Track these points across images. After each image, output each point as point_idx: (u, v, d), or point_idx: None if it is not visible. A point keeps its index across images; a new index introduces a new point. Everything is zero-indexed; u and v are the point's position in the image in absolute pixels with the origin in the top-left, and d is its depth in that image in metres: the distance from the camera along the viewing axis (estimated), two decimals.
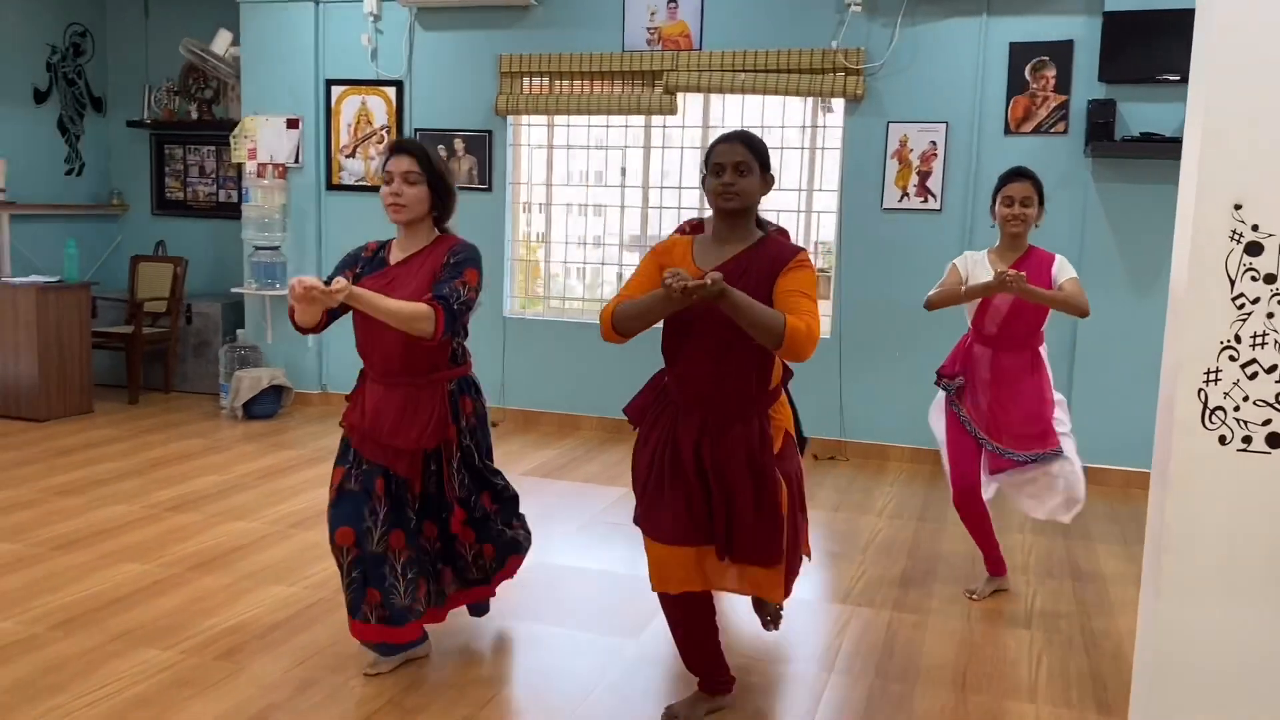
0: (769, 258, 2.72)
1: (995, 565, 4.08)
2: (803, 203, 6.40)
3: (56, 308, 6.55)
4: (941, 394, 4.03)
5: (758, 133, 6.27)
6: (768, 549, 2.76)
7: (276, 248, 7.02)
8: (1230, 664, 2.45)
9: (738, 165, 2.71)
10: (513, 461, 5.81)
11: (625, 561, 4.24)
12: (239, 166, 7.22)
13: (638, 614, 3.67)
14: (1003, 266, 3.75)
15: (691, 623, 2.90)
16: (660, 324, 2.76)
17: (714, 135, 6.40)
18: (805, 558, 3.03)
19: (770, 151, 2.83)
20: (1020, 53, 5.78)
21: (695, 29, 6.28)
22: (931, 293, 3.85)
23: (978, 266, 3.85)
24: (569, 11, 6.48)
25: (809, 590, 4.17)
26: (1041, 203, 3.81)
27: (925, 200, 6.01)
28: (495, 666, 3.36)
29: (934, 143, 5.94)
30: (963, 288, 3.76)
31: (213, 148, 7.88)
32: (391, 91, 6.86)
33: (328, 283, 2.85)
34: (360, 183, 7.02)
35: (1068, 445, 3.88)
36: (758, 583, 2.84)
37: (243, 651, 3.34)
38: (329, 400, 7.13)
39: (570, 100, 6.48)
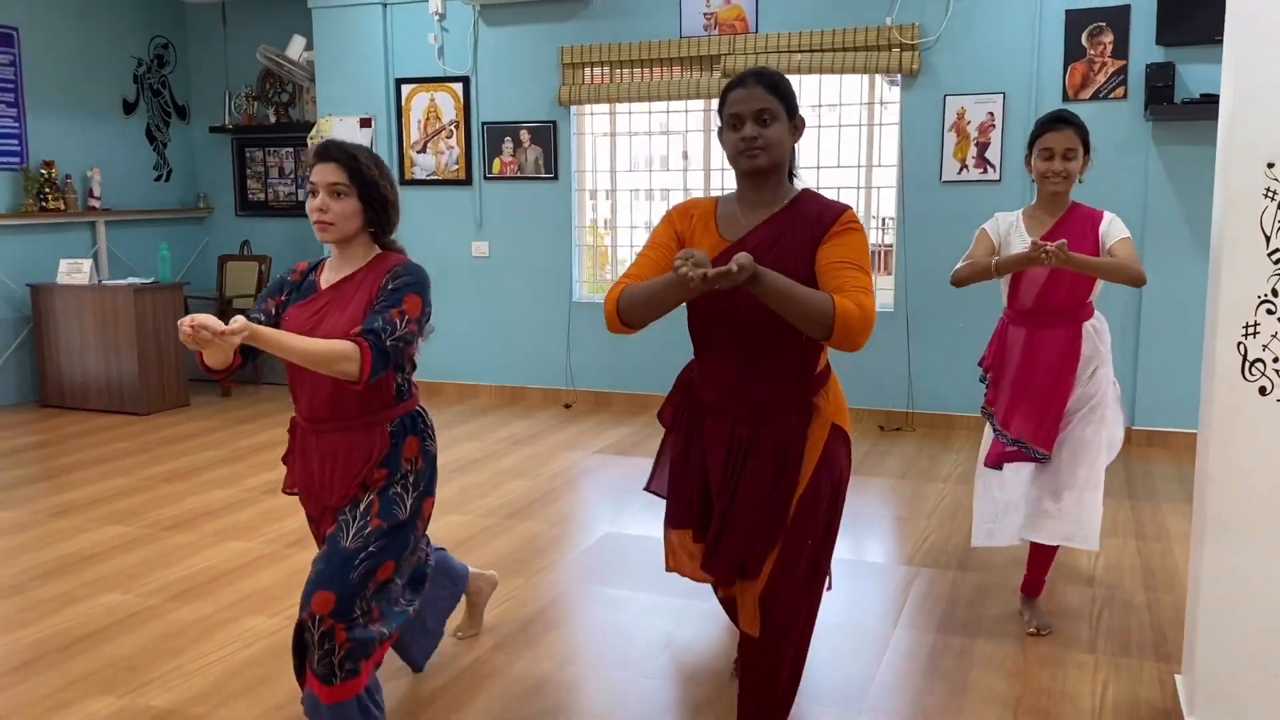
0: (807, 219, 2.25)
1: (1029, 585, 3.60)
2: (862, 179, 6.50)
3: (152, 308, 6.93)
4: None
5: (813, 111, 6.25)
6: (747, 554, 2.36)
7: None
8: (1275, 602, 2.54)
9: (759, 114, 2.22)
10: (585, 441, 6.03)
11: None
12: None
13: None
14: (1040, 231, 3.26)
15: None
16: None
17: None
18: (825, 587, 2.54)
19: (798, 101, 2.34)
20: (1076, 19, 5.79)
21: (751, 12, 6.39)
22: (958, 266, 3.33)
23: (1012, 231, 3.34)
24: (627, 1, 6.64)
25: (876, 553, 4.31)
26: (1087, 151, 3.25)
27: (984, 171, 6.06)
28: (571, 626, 3.57)
29: (991, 113, 5.99)
30: (993, 261, 3.21)
31: (290, 149, 8.21)
32: (459, 87, 7.10)
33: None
34: (431, 177, 7.28)
35: (1083, 450, 3.31)
36: (742, 599, 2.44)
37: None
38: None
39: (631, 88, 6.64)
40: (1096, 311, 3.38)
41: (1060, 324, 3.30)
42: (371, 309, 2.49)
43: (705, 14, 6.48)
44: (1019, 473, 3.37)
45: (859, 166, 6.48)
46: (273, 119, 8.18)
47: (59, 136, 7.37)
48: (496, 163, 7.08)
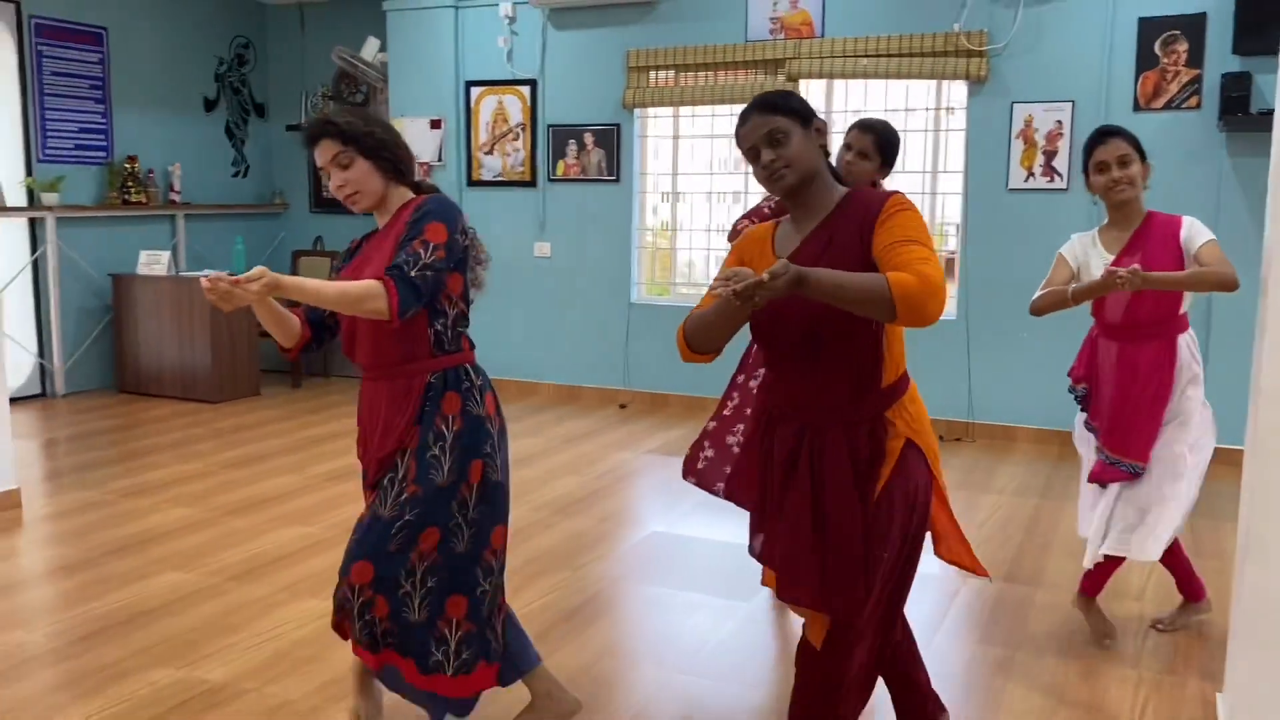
0: (857, 215, 2.20)
1: (1188, 589, 3.54)
2: (927, 185, 6.46)
3: None
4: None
5: (881, 116, 6.25)
6: (812, 580, 2.23)
7: None
8: None
9: (770, 136, 2.19)
10: (637, 441, 6.09)
11: (742, 533, 4.44)
12: None
13: (753, 579, 3.87)
14: (1118, 247, 3.16)
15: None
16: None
17: (837, 121, 6.57)
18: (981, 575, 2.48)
19: (807, 107, 2.26)
20: (1150, 28, 5.70)
21: (817, 17, 6.40)
22: (1036, 295, 3.25)
23: (1089, 253, 3.24)
24: (694, 5, 6.69)
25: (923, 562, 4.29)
26: (1144, 158, 3.16)
27: (1051, 180, 5.98)
28: (612, 621, 3.62)
29: (1060, 122, 5.91)
30: (1070, 290, 3.11)
31: None
32: (526, 90, 7.21)
33: (311, 309, 2.59)
34: (497, 178, 7.40)
35: (1173, 467, 3.21)
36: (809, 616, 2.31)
37: None
38: None
39: (695, 91, 6.69)
40: (1190, 328, 3.26)
41: (1153, 337, 3.19)
42: (397, 248, 2.45)
43: (771, 18, 6.50)
44: (1109, 491, 3.30)
45: (924, 172, 6.44)
46: None
47: (143, 132, 7.66)
48: (561, 165, 7.18)
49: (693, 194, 7.12)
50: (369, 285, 2.36)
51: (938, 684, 3.14)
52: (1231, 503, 5.00)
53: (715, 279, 2.01)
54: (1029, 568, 4.08)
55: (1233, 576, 3.96)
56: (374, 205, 2.56)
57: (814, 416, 2.24)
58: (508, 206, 7.36)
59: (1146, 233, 3.16)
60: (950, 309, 6.35)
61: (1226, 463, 5.74)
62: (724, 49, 6.58)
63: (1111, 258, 3.15)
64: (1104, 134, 3.16)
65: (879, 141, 3.43)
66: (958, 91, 6.28)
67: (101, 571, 3.98)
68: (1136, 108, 5.76)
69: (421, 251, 2.40)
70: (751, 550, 2.46)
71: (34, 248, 7.06)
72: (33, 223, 7.04)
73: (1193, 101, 5.65)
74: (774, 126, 2.18)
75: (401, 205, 2.57)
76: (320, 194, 8.65)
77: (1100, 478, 3.31)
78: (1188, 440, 3.22)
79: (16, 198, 6.89)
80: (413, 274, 2.37)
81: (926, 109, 6.41)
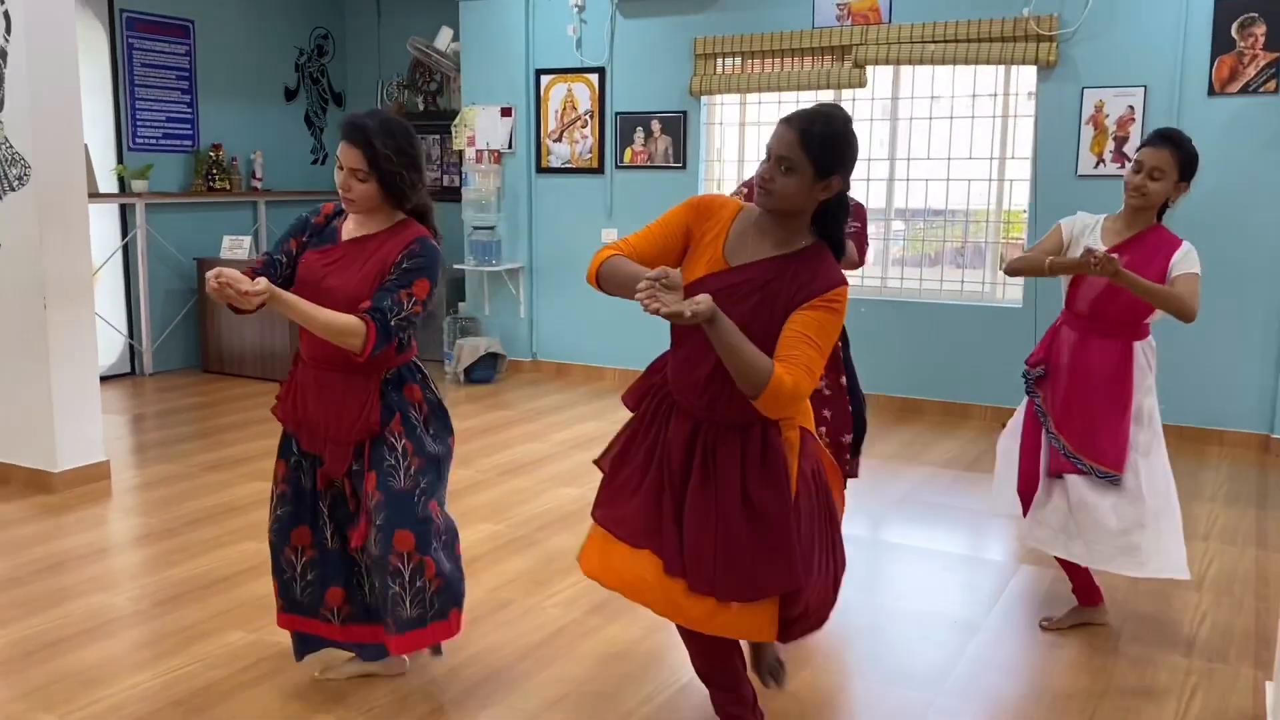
0: (800, 280, 2.21)
1: (1085, 593, 3.44)
2: (995, 171, 6.40)
3: None
4: (1019, 411, 3.44)
5: (946, 103, 6.16)
6: (744, 581, 2.26)
7: (492, 227, 7.62)
8: None
9: (781, 160, 2.17)
10: None
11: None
12: (460, 153, 7.87)
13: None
14: (1113, 242, 3.17)
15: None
16: None
17: (903, 108, 6.54)
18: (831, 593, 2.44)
19: (849, 150, 2.22)
20: (1226, 10, 5.57)
21: (884, 2, 6.37)
22: (1017, 257, 3.33)
23: (1086, 233, 3.25)
24: None
25: (979, 548, 4.31)
26: (1184, 178, 3.12)
27: (1122, 166, 5.88)
28: None
29: (1131, 107, 5.82)
30: (1048, 260, 3.17)
31: (438, 136, 8.59)
32: (594, 78, 7.30)
33: (266, 267, 2.73)
34: (566, 165, 7.51)
35: (1144, 477, 3.17)
36: (733, 623, 2.31)
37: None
38: (539, 367, 7.70)
39: (761, 78, 6.71)
40: (1151, 336, 3.26)
41: (1113, 334, 3.19)
42: (383, 281, 2.64)
43: (838, 4, 6.49)
44: (1094, 495, 3.18)
45: (991, 159, 6.39)
46: (422, 107, 8.58)
47: (227, 121, 7.93)
48: (628, 152, 7.26)
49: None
50: (352, 323, 2.58)
51: (988, 663, 3.18)
52: (1195, 481, 4.98)
53: (646, 279, 2.03)
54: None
55: (1218, 555, 3.92)
56: (362, 213, 2.74)
57: (712, 414, 2.29)
58: (575, 193, 7.47)
59: (1143, 240, 3.17)
60: (1016, 295, 6.30)
61: (1181, 438, 5.69)
62: (791, 35, 6.60)
63: (1104, 248, 3.14)
64: (1161, 138, 3.14)
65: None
66: (1027, 77, 6.21)
67: (182, 540, 4.19)
68: (1211, 92, 5.64)
69: (405, 302, 2.64)
70: (603, 518, 2.48)
71: (124, 233, 7.38)
72: (123, 209, 7.34)
73: (1270, 85, 5.52)
74: (790, 156, 2.16)
75: (397, 225, 2.74)
76: None
77: (1060, 470, 3.22)
78: (1156, 447, 3.22)
79: (108, 185, 7.20)
80: (392, 322, 2.62)
81: (995, 95, 6.35)
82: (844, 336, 3.81)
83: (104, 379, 7.11)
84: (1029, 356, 3.41)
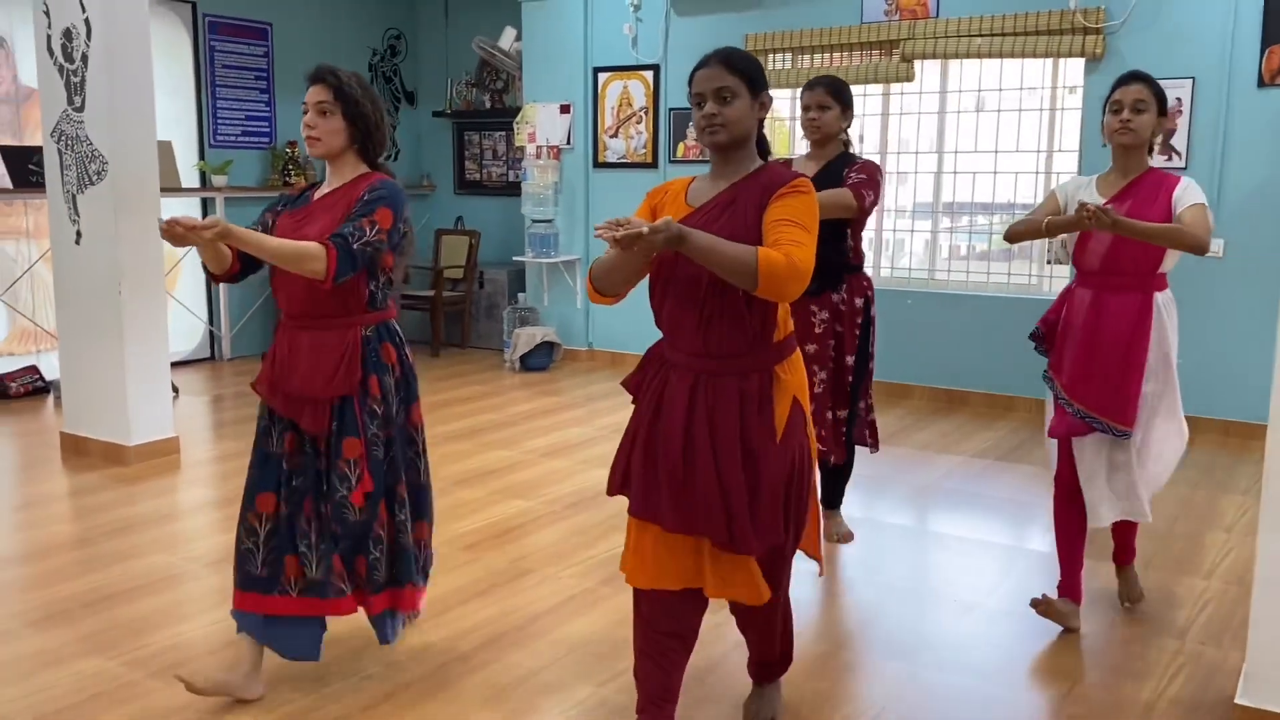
0: (760, 185, 2.34)
1: (1069, 588, 3.38)
2: (1042, 164, 6.41)
3: None
4: None
5: (994, 97, 6.20)
6: (742, 528, 2.33)
7: (550, 221, 7.87)
8: None
9: (719, 92, 2.30)
10: None
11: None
12: (522, 148, 8.13)
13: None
14: (1111, 193, 3.15)
15: (657, 637, 2.54)
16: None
17: (951, 101, 6.58)
18: (814, 559, 2.61)
19: (761, 71, 2.35)
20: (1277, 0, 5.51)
21: None
22: (1015, 221, 3.29)
23: (1080, 192, 3.23)
24: None
25: (986, 531, 4.39)
26: (1162, 111, 3.11)
27: (1169, 159, 5.85)
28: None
29: (1179, 99, 5.78)
30: (1045, 220, 3.14)
31: (503, 133, 8.88)
32: (649, 75, 7.49)
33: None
34: (622, 160, 7.72)
35: (1150, 434, 3.18)
36: (729, 578, 2.40)
37: (479, 546, 4.08)
38: (594, 356, 7.93)
39: (812, 73, 6.80)
40: (1170, 288, 3.22)
41: (1129, 289, 3.14)
42: (345, 218, 2.71)
43: (887, 0, 6.56)
44: (1096, 451, 3.23)
45: (1038, 151, 6.40)
46: (488, 105, 8.87)
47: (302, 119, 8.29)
48: (681, 147, 7.43)
49: None
50: (312, 247, 2.62)
51: (978, 644, 3.29)
52: (1232, 475, 4.90)
53: (604, 223, 2.15)
54: (1097, 545, 4.11)
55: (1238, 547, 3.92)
56: (326, 156, 2.81)
57: (709, 366, 2.36)
58: (631, 187, 7.66)
59: (1141, 184, 3.14)
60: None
61: (1227, 434, 5.60)
62: (840, 31, 6.69)
63: (1103, 201, 3.13)
64: (1130, 77, 3.13)
65: (830, 89, 3.68)
66: (1074, 69, 6.20)
67: (238, 509, 4.49)
68: (1261, 84, 5.59)
69: (367, 229, 2.68)
70: (624, 491, 2.54)
71: None
72: (204, 202, 7.78)
73: None
74: (725, 84, 2.30)
75: (359, 176, 2.83)
76: (464, 176, 9.19)
77: (1069, 432, 3.22)
78: (1164, 406, 3.21)
79: (191, 180, 7.65)
80: (354, 246, 2.65)
81: (1042, 88, 6.35)
82: (869, 319, 3.91)
83: (185, 363, 7.58)
84: (1040, 319, 3.38)
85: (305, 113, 2.78)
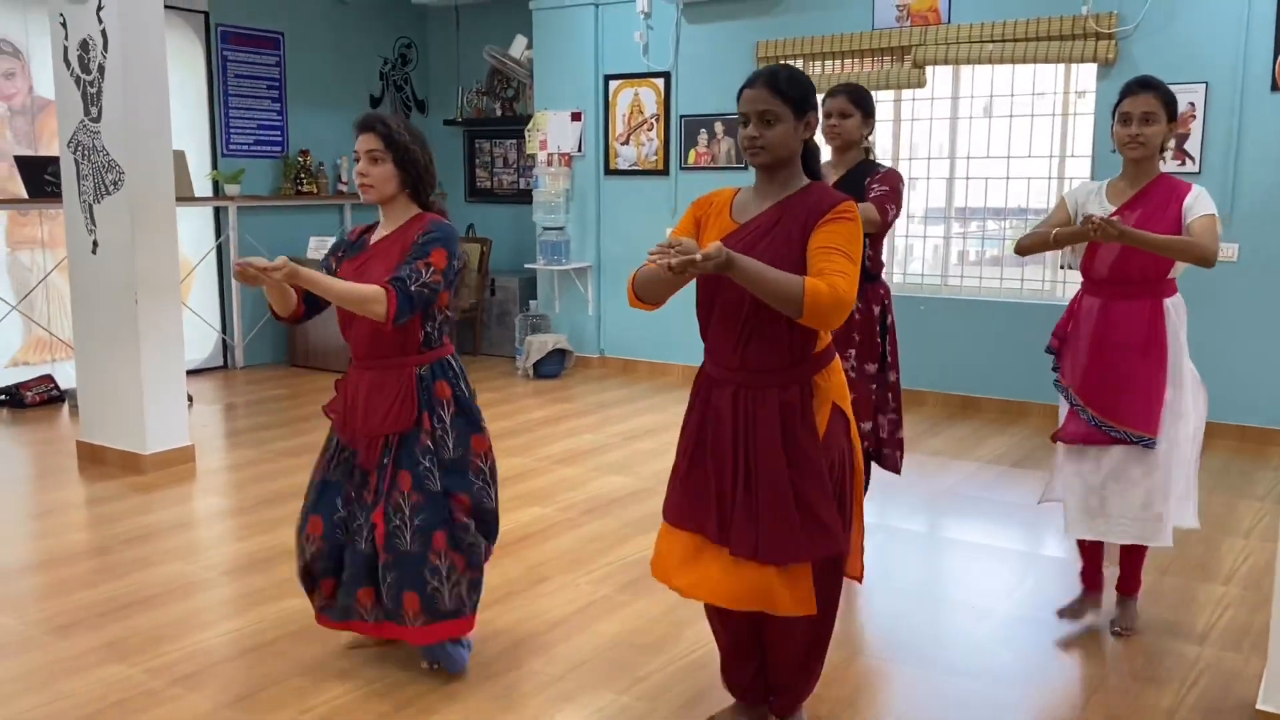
0: (806, 208, 2.35)
1: (1092, 579, 3.47)
2: (1055, 169, 6.41)
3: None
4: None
5: (1005, 102, 6.20)
6: (786, 541, 2.34)
7: (561, 228, 7.89)
8: None
9: (762, 115, 2.33)
10: None
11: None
12: (533, 156, 8.15)
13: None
14: (1120, 201, 3.13)
15: (727, 630, 2.65)
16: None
17: (963, 107, 6.58)
18: (853, 579, 2.60)
19: (807, 90, 2.35)
20: None
21: (944, 3, 6.43)
22: (1024, 234, 3.28)
23: (1090, 200, 3.21)
24: None
25: (1001, 538, 4.38)
26: (1171, 118, 3.09)
27: (1183, 163, 5.85)
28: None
29: (1192, 104, 5.77)
30: (1053, 232, 3.11)
31: (514, 141, 8.89)
32: (660, 82, 7.51)
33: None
34: (633, 167, 7.73)
35: (1173, 444, 3.12)
36: (767, 591, 2.37)
37: (496, 553, 4.04)
38: (606, 363, 7.93)
39: (823, 80, 6.81)
40: (1179, 294, 3.19)
41: (1139, 296, 3.11)
42: (402, 260, 2.82)
43: (898, 5, 6.57)
44: (1107, 461, 3.18)
45: (1051, 157, 6.39)
46: (499, 113, 8.89)
47: (314, 128, 8.36)
48: (692, 154, 7.45)
49: None
50: (373, 290, 2.74)
51: (996, 649, 3.28)
52: (1249, 480, 4.88)
53: (658, 246, 2.18)
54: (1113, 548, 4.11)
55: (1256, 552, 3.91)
56: (380, 201, 2.92)
57: (749, 380, 2.40)
58: (642, 194, 7.68)
59: (1151, 193, 3.11)
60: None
61: (1244, 439, 5.58)
62: (851, 38, 6.70)
63: (1113, 209, 3.12)
64: (1138, 85, 3.09)
65: (853, 97, 3.70)
66: (1086, 74, 6.20)
67: (255, 517, 4.52)
68: (1274, 88, 5.58)
69: (423, 271, 2.80)
70: (676, 518, 2.56)
71: (218, 234, 7.85)
72: (217, 211, 7.82)
73: None
74: (769, 107, 2.32)
75: (412, 218, 2.94)
76: (475, 184, 9.21)
77: (1085, 440, 3.18)
78: (1193, 424, 3.17)
79: (203, 189, 7.68)
80: (412, 289, 2.77)
81: (1054, 93, 6.35)
82: (888, 327, 3.89)
83: (198, 371, 7.60)
84: (1054, 331, 3.34)
85: (357, 160, 2.89)
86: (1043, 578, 3.86)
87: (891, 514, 4.63)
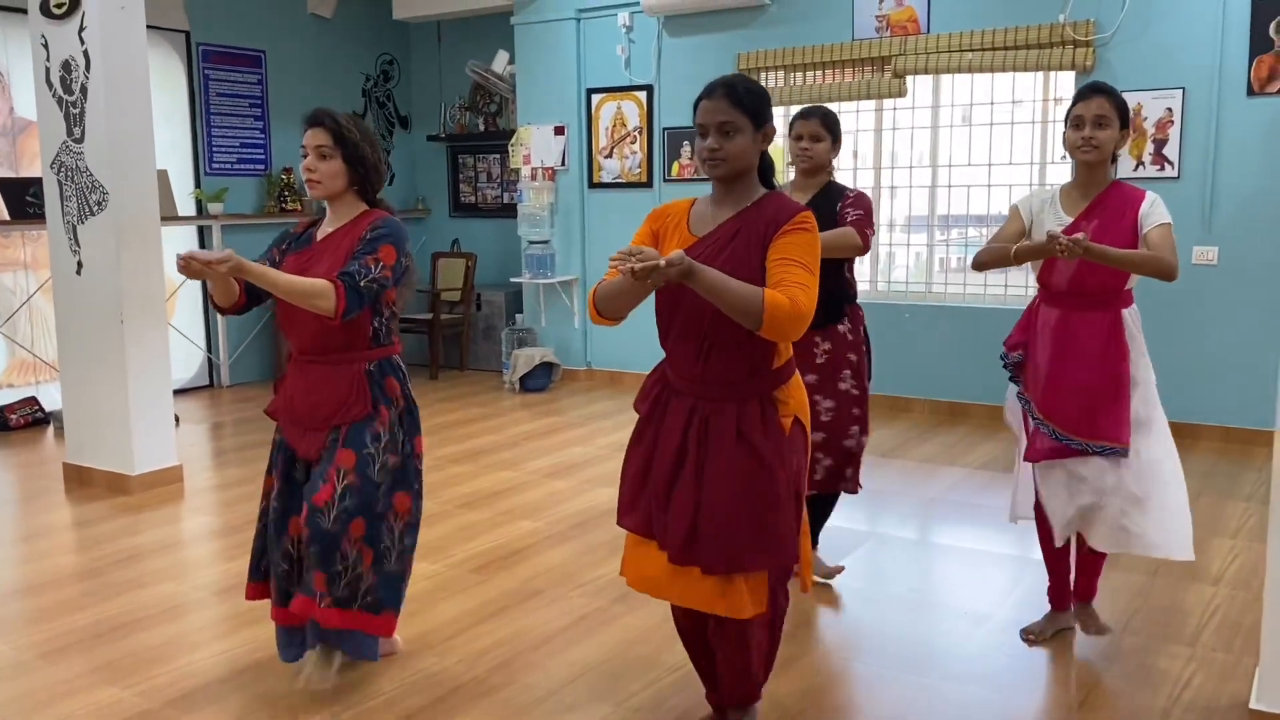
0: (765, 218, 2.35)
1: (1058, 596, 3.41)
2: (1035, 176, 6.46)
3: None
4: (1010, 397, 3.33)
5: (985, 110, 6.25)
6: (738, 550, 2.36)
7: (546, 241, 7.90)
8: None
9: (722, 126, 2.31)
10: None
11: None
12: (517, 170, 8.16)
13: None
14: (1076, 210, 3.08)
15: (687, 634, 2.72)
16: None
17: (943, 115, 6.64)
18: (800, 584, 2.64)
19: (765, 103, 2.35)
20: (1264, 9, 5.57)
21: (923, 13, 6.49)
22: (981, 249, 3.21)
23: (1045, 209, 3.15)
24: (801, 7, 6.88)
25: (992, 543, 4.40)
26: (1125, 125, 3.04)
27: (1162, 168, 5.91)
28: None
29: (1170, 109, 5.84)
30: (1013, 248, 3.05)
31: (498, 156, 8.91)
32: (643, 95, 7.54)
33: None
34: (617, 180, 7.75)
35: (1144, 452, 3.06)
36: (709, 597, 2.40)
37: (488, 567, 4.08)
38: (593, 376, 7.94)
39: (804, 90, 6.86)
40: (1135, 303, 3.14)
41: (1097, 308, 3.07)
42: (350, 256, 2.81)
43: (877, 16, 6.62)
44: (1094, 473, 3.10)
45: (1031, 164, 6.45)
46: (482, 128, 8.90)
47: (297, 146, 8.24)
48: (675, 166, 7.48)
49: None
50: (321, 285, 2.73)
51: (990, 654, 3.30)
52: (1234, 481, 4.93)
53: (618, 253, 2.18)
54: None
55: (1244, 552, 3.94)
56: (327, 197, 2.92)
57: (708, 392, 2.41)
58: (626, 206, 7.70)
59: (1106, 200, 3.07)
60: None
61: (1228, 440, 5.63)
62: (832, 48, 6.75)
63: (1069, 220, 3.08)
64: (1090, 90, 3.05)
65: (824, 122, 3.69)
66: (1065, 82, 6.26)
67: (244, 536, 4.44)
68: (1250, 93, 5.65)
69: (372, 266, 2.79)
70: (628, 525, 2.60)
71: None
72: (201, 230, 7.80)
73: None
74: (729, 118, 2.31)
75: (361, 214, 2.94)
76: (459, 199, 9.21)
77: (1051, 455, 3.12)
78: (1163, 429, 3.12)
79: (187, 208, 7.66)
80: (361, 284, 2.77)
81: (1034, 100, 6.41)
82: (867, 342, 3.88)
83: (184, 391, 7.56)
84: (1006, 339, 3.29)
85: (305, 155, 2.88)
86: (1035, 582, 3.87)
87: (883, 521, 4.65)
